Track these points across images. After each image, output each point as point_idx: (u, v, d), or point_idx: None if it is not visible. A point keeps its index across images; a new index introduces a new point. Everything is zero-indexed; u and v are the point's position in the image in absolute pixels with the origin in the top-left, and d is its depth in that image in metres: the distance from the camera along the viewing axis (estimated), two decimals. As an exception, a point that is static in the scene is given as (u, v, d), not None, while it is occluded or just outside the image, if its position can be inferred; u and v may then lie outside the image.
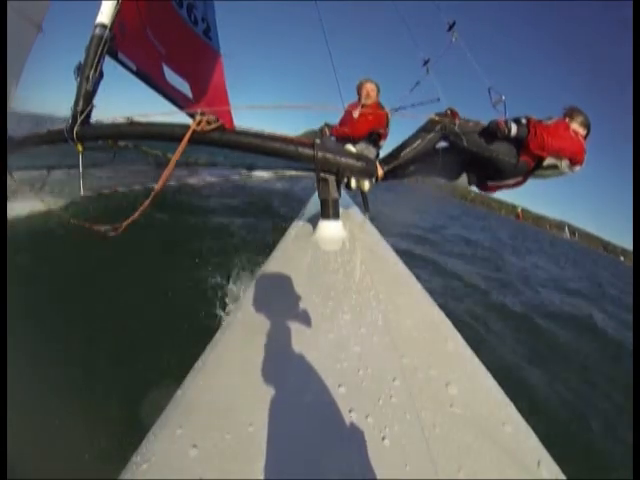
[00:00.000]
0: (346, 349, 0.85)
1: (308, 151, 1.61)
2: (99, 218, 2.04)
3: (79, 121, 2.05)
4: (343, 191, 2.08)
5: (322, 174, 1.63)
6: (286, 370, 0.77)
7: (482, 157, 2.12)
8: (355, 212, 2.36)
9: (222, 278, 2.51)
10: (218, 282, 2.47)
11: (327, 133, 2.91)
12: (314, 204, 2.10)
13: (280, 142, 1.68)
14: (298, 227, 1.80)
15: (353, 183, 1.84)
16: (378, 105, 2.79)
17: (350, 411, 0.67)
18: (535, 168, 2.11)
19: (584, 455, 2.10)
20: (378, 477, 0.55)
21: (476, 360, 0.91)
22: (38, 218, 2.43)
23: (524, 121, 2.04)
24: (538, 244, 21.76)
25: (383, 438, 0.62)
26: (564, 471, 0.63)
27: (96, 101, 2.14)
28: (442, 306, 1.14)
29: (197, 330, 1.79)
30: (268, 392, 0.69)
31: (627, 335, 4.59)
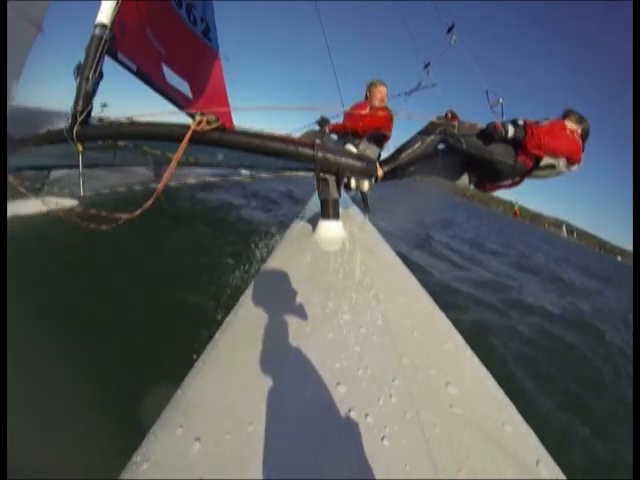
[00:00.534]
0: (346, 349, 0.85)
1: (308, 151, 1.61)
2: (99, 218, 2.04)
3: (79, 121, 2.05)
4: (343, 191, 2.09)
5: (322, 174, 1.64)
6: (286, 370, 0.77)
7: (481, 159, 2.14)
8: (355, 212, 2.36)
9: (222, 277, 2.51)
10: (218, 282, 2.47)
11: (326, 130, 2.87)
12: (314, 204, 2.11)
13: (280, 142, 1.68)
14: (298, 227, 1.80)
15: (353, 183, 1.84)
16: (387, 108, 2.79)
17: (350, 411, 0.67)
18: (533, 168, 2.13)
19: (584, 455, 2.10)
20: (378, 477, 0.55)
21: (476, 360, 0.91)
22: (38, 218, 2.43)
23: (521, 122, 2.07)
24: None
25: (383, 438, 0.62)
26: (564, 471, 0.63)
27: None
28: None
29: (197, 330, 1.79)
30: (268, 392, 0.69)
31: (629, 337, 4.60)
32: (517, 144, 2.06)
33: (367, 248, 1.55)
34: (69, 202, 2.57)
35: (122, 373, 1.55)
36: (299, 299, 1.04)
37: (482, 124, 2.12)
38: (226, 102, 4.66)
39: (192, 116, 1.72)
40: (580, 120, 2.09)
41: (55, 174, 3.08)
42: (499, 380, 0.84)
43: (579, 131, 2.08)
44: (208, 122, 1.63)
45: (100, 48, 2.18)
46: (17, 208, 2.42)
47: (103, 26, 2.23)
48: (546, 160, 2.06)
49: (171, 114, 2.04)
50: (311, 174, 2.43)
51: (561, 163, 2.07)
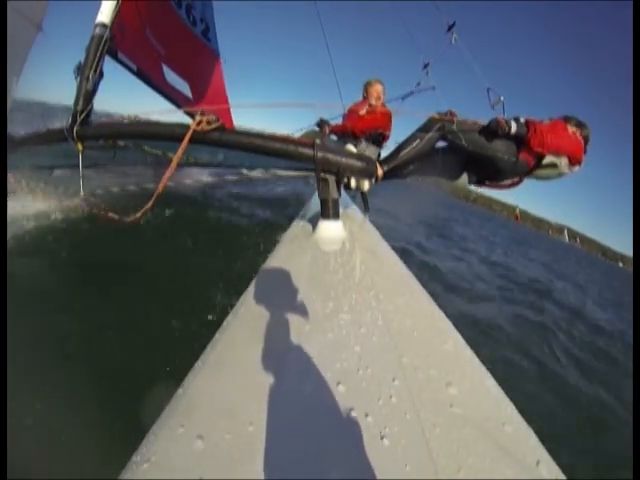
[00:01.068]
0: (346, 349, 0.85)
1: (308, 151, 1.61)
2: (99, 218, 2.05)
3: (79, 121, 2.05)
4: (343, 191, 2.08)
5: (322, 174, 1.63)
6: (286, 369, 0.77)
7: (482, 156, 2.13)
8: (355, 212, 2.36)
9: (223, 277, 2.51)
10: (218, 282, 2.46)
11: (326, 131, 2.88)
12: (314, 204, 2.10)
13: (280, 142, 1.68)
14: (298, 227, 1.79)
15: (353, 183, 1.84)
16: (384, 106, 2.79)
17: (350, 411, 0.67)
18: (534, 167, 2.12)
19: (584, 455, 2.10)
20: (378, 477, 0.55)
21: (476, 360, 0.91)
22: (38, 218, 2.43)
23: (523, 120, 2.06)
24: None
25: (383, 438, 0.62)
26: (564, 471, 0.63)
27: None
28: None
29: (197, 330, 1.79)
30: (268, 392, 0.69)
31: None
32: (519, 141, 2.05)
33: (367, 248, 1.55)
34: (69, 202, 2.57)
35: (122, 373, 1.55)
36: (299, 299, 1.04)
37: (483, 121, 2.12)
38: (226, 102, 4.67)
39: (192, 116, 1.72)
40: (579, 125, 2.09)
41: (55, 174, 3.08)
42: (499, 380, 0.84)
43: (579, 133, 2.08)
44: (208, 122, 1.63)
45: (100, 48, 2.18)
46: (17, 208, 2.42)
47: (103, 26, 2.23)
48: (548, 158, 2.06)
49: (171, 113, 2.04)
50: (311, 174, 2.43)
51: (563, 162, 2.06)
